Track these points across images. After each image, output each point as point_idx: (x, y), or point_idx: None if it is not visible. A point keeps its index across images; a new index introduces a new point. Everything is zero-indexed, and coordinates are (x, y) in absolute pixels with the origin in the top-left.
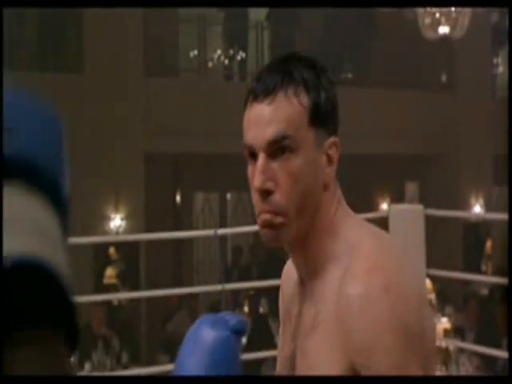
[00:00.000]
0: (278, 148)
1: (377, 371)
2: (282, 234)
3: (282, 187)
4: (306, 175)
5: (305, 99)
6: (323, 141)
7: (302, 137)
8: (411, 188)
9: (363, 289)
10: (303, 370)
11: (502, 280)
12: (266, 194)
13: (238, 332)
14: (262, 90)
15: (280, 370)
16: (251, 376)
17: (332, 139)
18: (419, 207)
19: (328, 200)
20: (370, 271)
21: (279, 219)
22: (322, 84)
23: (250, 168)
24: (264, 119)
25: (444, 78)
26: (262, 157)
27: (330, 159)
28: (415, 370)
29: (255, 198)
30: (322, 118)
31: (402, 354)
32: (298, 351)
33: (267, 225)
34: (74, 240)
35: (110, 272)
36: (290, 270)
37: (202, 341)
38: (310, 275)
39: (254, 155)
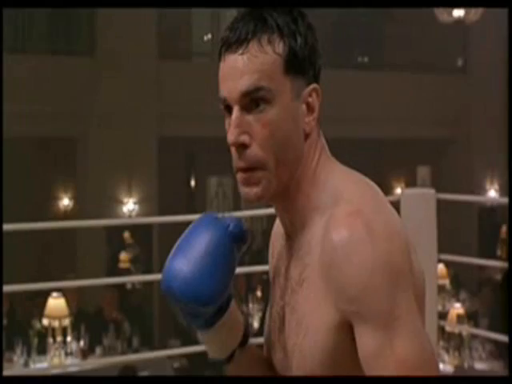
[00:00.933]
0: (253, 100)
1: (367, 316)
2: (262, 189)
3: (258, 140)
4: (284, 126)
5: (279, 46)
6: (302, 89)
7: (277, 87)
8: (423, 172)
9: (345, 233)
10: (292, 326)
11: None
12: (241, 148)
13: (235, 236)
14: (235, 40)
15: (270, 328)
16: (251, 376)
17: (312, 86)
18: (431, 191)
19: (310, 150)
20: (351, 214)
21: (258, 174)
22: (299, 29)
23: (226, 122)
24: (237, 70)
25: (458, 61)
26: (236, 110)
27: (309, 107)
28: (405, 311)
29: (233, 153)
30: (300, 65)
31: (390, 296)
32: (287, 307)
33: (246, 182)
34: (88, 223)
35: (123, 256)
36: (278, 227)
37: (195, 235)
38: (295, 228)
39: (229, 108)
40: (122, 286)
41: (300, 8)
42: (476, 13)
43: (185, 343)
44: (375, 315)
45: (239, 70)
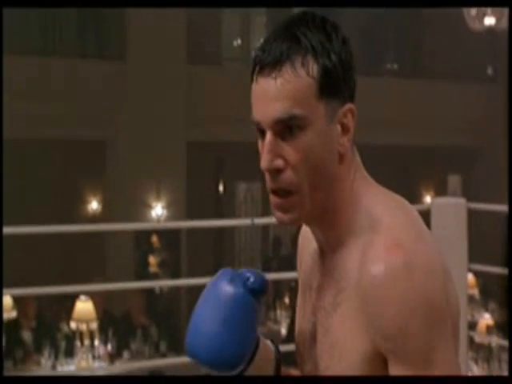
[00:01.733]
0: (286, 126)
1: (403, 357)
2: (296, 215)
3: (291, 165)
4: (318, 150)
5: (314, 68)
6: (336, 110)
7: (311, 112)
8: (454, 181)
9: (385, 267)
10: (326, 346)
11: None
12: (275, 172)
13: (255, 290)
14: (267, 62)
15: (300, 342)
16: (251, 376)
17: (347, 106)
18: (461, 200)
19: (345, 171)
20: (391, 248)
21: (292, 200)
22: (334, 46)
23: (260, 144)
24: (270, 95)
25: (489, 69)
26: (269, 135)
27: (344, 128)
28: (441, 353)
29: (266, 177)
30: (334, 85)
31: (428, 337)
32: (320, 327)
33: (280, 208)
34: (117, 226)
35: (151, 261)
36: (306, 235)
37: (217, 295)
38: (330, 248)
39: (263, 131)
40: (149, 291)
41: (328, 16)
42: (507, 20)
43: None
44: (410, 356)
45: (272, 96)
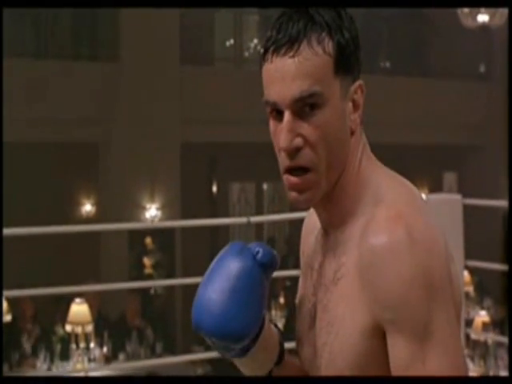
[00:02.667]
0: (305, 104)
1: (402, 327)
2: (313, 194)
3: (310, 142)
4: (334, 127)
5: (329, 45)
6: (349, 87)
7: (328, 89)
8: (449, 178)
9: (385, 238)
10: (324, 324)
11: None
12: (294, 151)
13: (264, 264)
14: (284, 41)
15: (300, 324)
16: (251, 376)
17: (357, 83)
18: (457, 197)
19: (354, 147)
20: (391, 219)
21: (309, 179)
22: (345, 24)
23: (272, 124)
24: (288, 74)
25: (482, 67)
26: (287, 114)
27: (355, 104)
28: (441, 325)
29: (282, 156)
30: (348, 62)
31: (428, 308)
32: (319, 305)
33: (296, 188)
34: (111, 227)
35: (146, 262)
36: (311, 219)
37: (226, 266)
38: (334, 227)
39: (278, 112)
40: (144, 292)
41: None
42: (501, 17)
43: (208, 349)
44: (410, 327)
45: (291, 74)
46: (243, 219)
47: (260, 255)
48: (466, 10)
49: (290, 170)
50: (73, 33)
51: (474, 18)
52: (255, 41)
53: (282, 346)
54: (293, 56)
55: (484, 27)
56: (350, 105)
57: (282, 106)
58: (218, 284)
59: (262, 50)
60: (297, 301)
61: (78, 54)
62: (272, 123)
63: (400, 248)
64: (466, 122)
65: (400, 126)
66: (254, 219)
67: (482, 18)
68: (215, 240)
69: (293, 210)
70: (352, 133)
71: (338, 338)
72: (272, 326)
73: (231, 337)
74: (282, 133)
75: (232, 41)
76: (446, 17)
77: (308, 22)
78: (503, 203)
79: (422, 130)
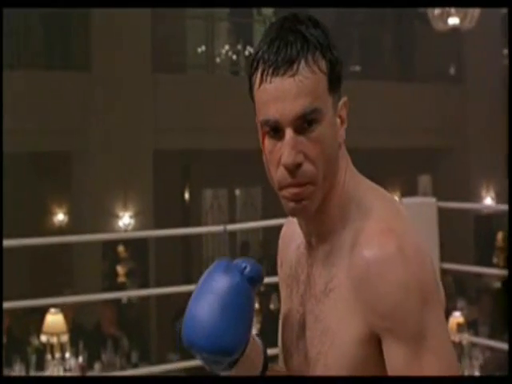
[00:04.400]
0: (305, 121)
1: (398, 334)
2: (310, 204)
3: (310, 158)
4: (330, 141)
5: (323, 64)
6: (337, 103)
7: (325, 105)
8: (424, 181)
9: (378, 250)
10: (317, 334)
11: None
12: (296, 167)
13: (251, 279)
14: (283, 62)
15: (287, 335)
16: (251, 376)
17: (344, 99)
18: (432, 200)
19: (341, 160)
20: (383, 232)
21: (308, 190)
22: (331, 43)
23: (269, 143)
24: (290, 93)
25: (454, 70)
26: (289, 132)
27: (342, 120)
28: (434, 328)
29: (281, 173)
30: (338, 80)
31: (422, 314)
32: (310, 316)
33: (295, 198)
34: (84, 238)
35: (119, 270)
36: (288, 229)
37: (214, 284)
38: (320, 238)
39: (276, 130)
40: (118, 301)
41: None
42: (471, 20)
43: (184, 357)
44: (406, 332)
45: (292, 93)
46: (220, 228)
47: (247, 270)
48: (437, 12)
49: (291, 185)
50: (45, 43)
51: (445, 21)
52: (226, 47)
53: (265, 354)
54: (292, 75)
55: (455, 30)
56: (338, 120)
57: (283, 123)
58: (207, 301)
59: (255, 71)
60: (282, 312)
61: (50, 63)
62: (268, 142)
63: (392, 259)
64: (439, 125)
65: (372, 130)
66: (231, 227)
67: (453, 20)
68: (188, 246)
69: (265, 216)
70: (339, 147)
71: (332, 348)
72: (254, 336)
73: (223, 352)
74: (284, 149)
75: (203, 47)
76: (417, 20)
77: (304, 43)
78: (477, 206)
79: (394, 134)
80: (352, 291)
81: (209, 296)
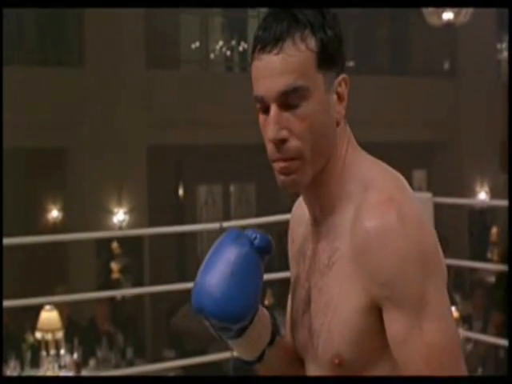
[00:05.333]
0: (290, 98)
1: (399, 302)
2: (299, 177)
3: (296, 134)
4: (319, 118)
5: (312, 42)
6: (333, 80)
7: (312, 83)
8: (419, 176)
9: (378, 220)
10: (320, 306)
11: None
12: (281, 142)
13: (260, 249)
14: (270, 39)
15: (294, 309)
16: (251, 376)
17: (341, 76)
18: (428, 195)
19: (340, 137)
20: (383, 203)
21: (296, 164)
22: (328, 22)
23: (261, 118)
24: (274, 70)
25: (448, 64)
26: (274, 108)
27: (339, 96)
28: (434, 296)
29: (269, 147)
30: (331, 58)
31: (422, 282)
32: (314, 289)
33: (284, 171)
34: (78, 236)
35: (113, 267)
36: (299, 209)
37: (225, 252)
38: (324, 214)
39: (265, 106)
40: (112, 297)
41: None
42: (466, 15)
43: (179, 353)
44: (406, 300)
45: (276, 70)
46: (216, 225)
47: (257, 241)
48: (431, 8)
49: (279, 159)
50: (38, 38)
51: (440, 16)
52: (220, 43)
53: (273, 325)
54: (278, 53)
55: (449, 25)
56: (334, 97)
57: (268, 99)
58: (217, 269)
59: (251, 49)
60: (290, 289)
61: (44, 59)
62: (261, 117)
63: (393, 228)
64: (433, 119)
65: (367, 125)
66: (227, 224)
67: (447, 15)
68: (183, 242)
69: (260, 212)
70: (337, 123)
71: (335, 317)
72: (264, 310)
73: (231, 317)
74: (269, 125)
75: (198, 43)
76: (412, 15)
77: (292, 22)
78: (474, 201)
79: (389, 128)
80: (353, 262)
81: (218, 263)
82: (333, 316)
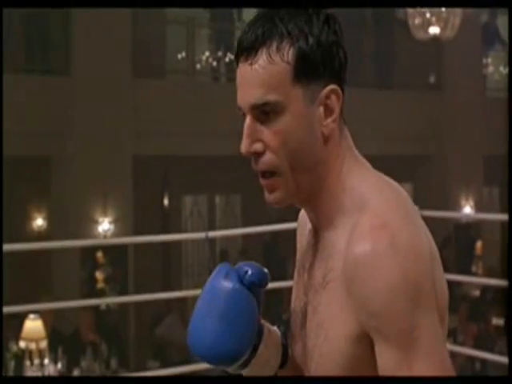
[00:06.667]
0: (262, 112)
1: (387, 334)
2: (280, 195)
3: (270, 147)
4: (296, 133)
5: (289, 53)
6: (317, 92)
7: (286, 97)
8: (406, 189)
9: (369, 247)
10: (313, 326)
11: (493, 281)
12: (257, 155)
13: (252, 284)
14: (244, 48)
15: (293, 322)
16: (251, 376)
17: (329, 88)
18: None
19: (332, 152)
20: (376, 228)
21: (276, 181)
22: (312, 30)
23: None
24: (246, 81)
25: (434, 78)
26: (248, 119)
27: (328, 109)
28: (426, 331)
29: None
30: (313, 68)
31: (412, 315)
32: (310, 306)
33: (266, 188)
34: (62, 244)
35: (98, 276)
36: (304, 218)
37: (213, 291)
38: (321, 229)
39: (245, 116)
40: (96, 307)
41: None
42: (452, 29)
43: (163, 364)
44: (395, 334)
45: (248, 82)
46: (201, 235)
47: (248, 275)
48: (417, 22)
49: (261, 173)
50: (25, 47)
51: (426, 31)
52: (207, 53)
53: (284, 347)
54: (251, 63)
55: (435, 40)
56: (320, 110)
57: (244, 110)
58: (205, 310)
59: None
60: (292, 297)
61: (30, 68)
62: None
63: (383, 257)
64: (418, 133)
65: (352, 138)
66: (212, 234)
67: (434, 30)
68: (167, 252)
69: (245, 223)
70: (326, 138)
71: (326, 341)
72: (273, 331)
73: (224, 360)
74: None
75: (184, 53)
76: (397, 28)
77: (267, 30)
78: (460, 215)
79: (374, 141)
80: (345, 287)
81: (207, 305)
82: (324, 339)
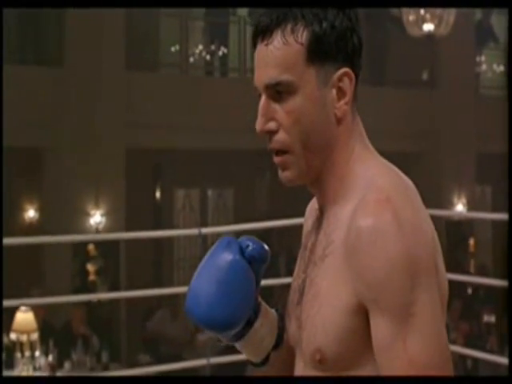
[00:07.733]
0: (276, 91)
1: (384, 306)
2: (292, 173)
3: (283, 126)
4: (309, 114)
5: (303, 35)
6: (330, 75)
7: (300, 77)
8: None
9: (372, 220)
10: (309, 298)
11: (485, 280)
12: (270, 134)
13: (252, 257)
14: (260, 30)
15: (289, 300)
16: (251, 376)
17: (342, 71)
18: None
19: (344, 135)
20: (380, 202)
21: (288, 159)
22: (326, 15)
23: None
24: (262, 62)
25: (427, 75)
26: (263, 98)
27: (341, 92)
28: (423, 308)
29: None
30: (326, 51)
31: (410, 290)
32: (308, 279)
33: (279, 166)
34: (55, 239)
35: (89, 268)
36: (313, 206)
37: (213, 260)
38: (327, 208)
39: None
40: (87, 300)
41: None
42: (446, 26)
43: (154, 357)
44: (391, 307)
45: (263, 62)
46: (195, 231)
47: (249, 249)
48: (412, 18)
49: (275, 151)
50: (19, 37)
51: (420, 27)
52: (200, 47)
53: (280, 331)
54: (267, 44)
55: (430, 36)
56: (333, 92)
57: (259, 90)
58: (205, 276)
59: None
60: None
61: (23, 58)
62: None
63: (386, 230)
64: (411, 130)
65: None
66: (205, 231)
67: (428, 27)
68: (159, 244)
69: (237, 217)
70: (339, 120)
71: (320, 312)
72: (270, 312)
73: (217, 326)
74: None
75: (177, 46)
76: (390, 25)
77: (283, 13)
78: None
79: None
80: (345, 259)
81: (206, 272)
82: (318, 310)
